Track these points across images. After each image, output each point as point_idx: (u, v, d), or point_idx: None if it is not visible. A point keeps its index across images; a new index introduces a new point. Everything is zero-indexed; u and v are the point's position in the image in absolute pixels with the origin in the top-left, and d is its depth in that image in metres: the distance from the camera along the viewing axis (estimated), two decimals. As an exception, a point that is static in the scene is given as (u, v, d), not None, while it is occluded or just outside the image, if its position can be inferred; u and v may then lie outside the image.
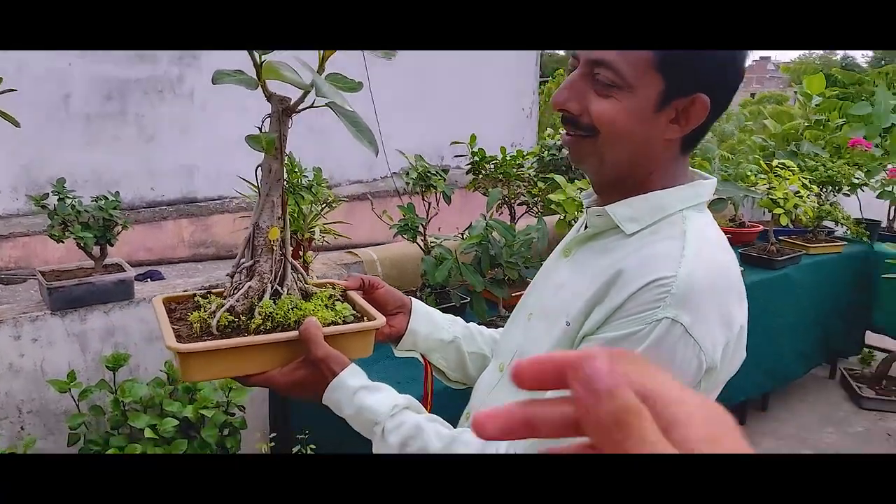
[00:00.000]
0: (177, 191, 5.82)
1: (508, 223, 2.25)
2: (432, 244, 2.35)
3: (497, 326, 2.07)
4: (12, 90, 1.00)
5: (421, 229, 2.27)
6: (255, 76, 0.89)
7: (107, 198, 1.77)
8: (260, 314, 0.95)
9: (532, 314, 1.05)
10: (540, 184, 2.80)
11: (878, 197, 4.12)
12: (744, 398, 3.40)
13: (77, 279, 1.77)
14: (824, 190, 3.74)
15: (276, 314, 0.96)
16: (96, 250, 1.80)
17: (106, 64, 5.22)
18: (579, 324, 0.90)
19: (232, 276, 1.00)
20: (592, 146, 0.92)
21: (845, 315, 3.91)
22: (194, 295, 1.04)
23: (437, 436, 0.92)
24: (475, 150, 2.66)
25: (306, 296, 1.05)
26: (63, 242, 1.69)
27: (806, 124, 4.34)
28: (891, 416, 3.69)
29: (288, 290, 1.01)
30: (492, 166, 2.73)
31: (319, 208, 1.98)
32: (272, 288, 0.99)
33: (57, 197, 1.69)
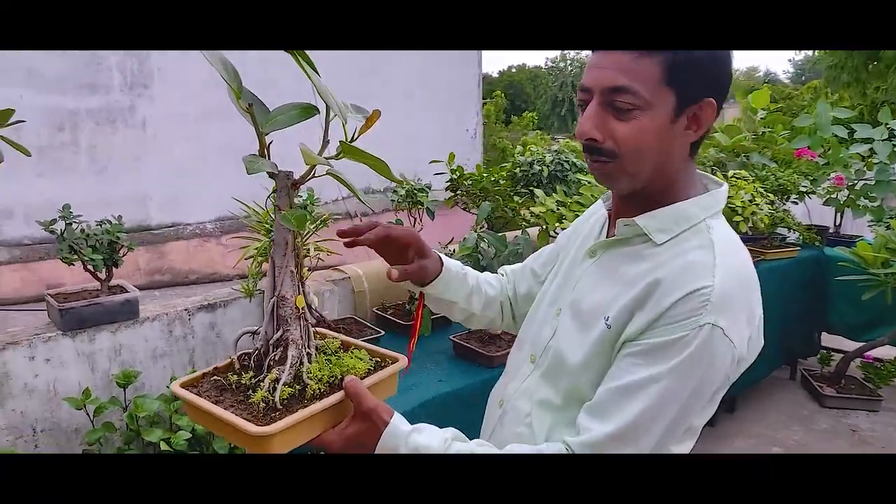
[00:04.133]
0: (131, 219, 5.69)
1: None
2: (419, 259, 2.37)
3: (489, 335, 2.10)
4: (21, 121, 0.98)
5: (409, 244, 2.28)
6: (258, 153, 0.92)
7: (111, 221, 1.78)
8: (311, 379, 0.99)
9: (561, 310, 1.11)
10: (516, 198, 2.86)
11: (824, 204, 4.34)
12: (714, 402, 3.50)
13: (86, 300, 1.77)
14: (776, 198, 3.92)
15: (323, 376, 1.01)
16: (103, 272, 1.81)
17: (57, 95, 5.10)
18: (620, 327, 0.97)
19: (258, 350, 1.03)
20: (619, 168, 0.99)
21: (802, 317, 4.08)
22: (204, 374, 1.05)
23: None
24: (454, 167, 2.70)
25: (326, 352, 1.09)
26: (73, 265, 1.70)
27: (753, 136, 4.54)
28: (852, 412, 3.85)
29: (314, 351, 1.05)
30: (469, 183, 2.78)
31: (314, 227, 1.98)
32: (306, 352, 1.02)
33: (65, 222, 1.69)
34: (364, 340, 2.05)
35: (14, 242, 4.96)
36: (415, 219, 2.34)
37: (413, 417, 1.75)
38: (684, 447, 1.03)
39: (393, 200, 2.31)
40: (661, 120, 0.95)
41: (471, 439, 1.04)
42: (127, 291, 1.87)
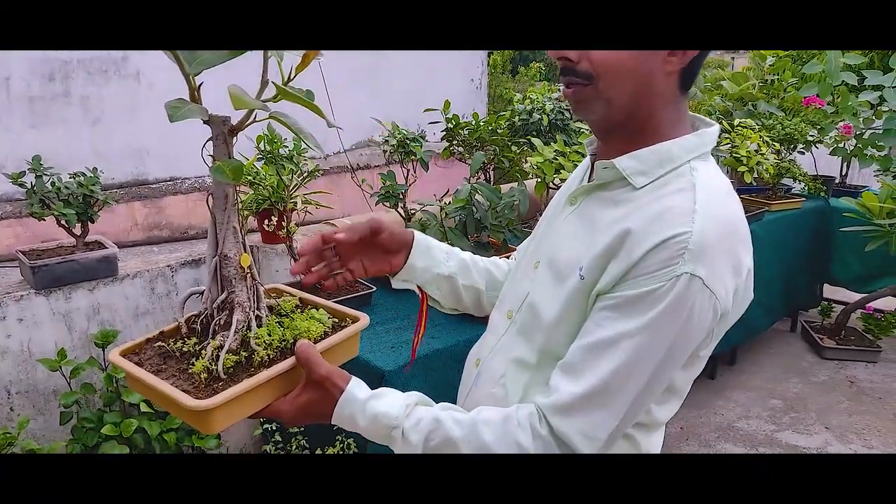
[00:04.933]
0: (127, 173, 5.64)
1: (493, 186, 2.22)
2: (413, 211, 2.32)
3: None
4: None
5: (402, 196, 2.23)
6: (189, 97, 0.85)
7: (85, 174, 1.70)
8: (259, 345, 0.92)
9: (539, 262, 1.04)
10: (514, 148, 2.79)
11: (831, 153, 4.25)
12: (713, 353, 3.49)
13: (60, 257, 1.70)
14: (782, 148, 3.83)
15: (273, 341, 0.94)
16: (77, 228, 1.74)
17: (45, 43, 4.99)
18: (594, 278, 0.90)
19: (204, 314, 0.96)
20: (594, 92, 0.90)
21: (805, 269, 4.03)
22: (147, 339, 0.99)
23: (456, 423, 0.91)
24: (449, 115, 2.63)
25: (272, 310, 1.02)
26: (44, 220, 1.62)
27: (760, 84, 4.42)
28: (851, 364, 3.84)
29: (265, 315, 0.98)
30: (466, 132, 2.70)
31: (301, 178, 1.92)
32: (254, 315, 0.96)
33: (35, 174, 1.61)
34: (355, 296, 2.02)
35: (5, 198, 4.91)
36: (408, 170, 2.28)
37: (403, 376, 1.73)
38: (667, 408, 0.98)
39: (385, 151, 2.24)
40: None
41: (452, 397, 1.00)
42: (105, 248, 1.81)
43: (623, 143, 0.94)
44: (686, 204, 0.86)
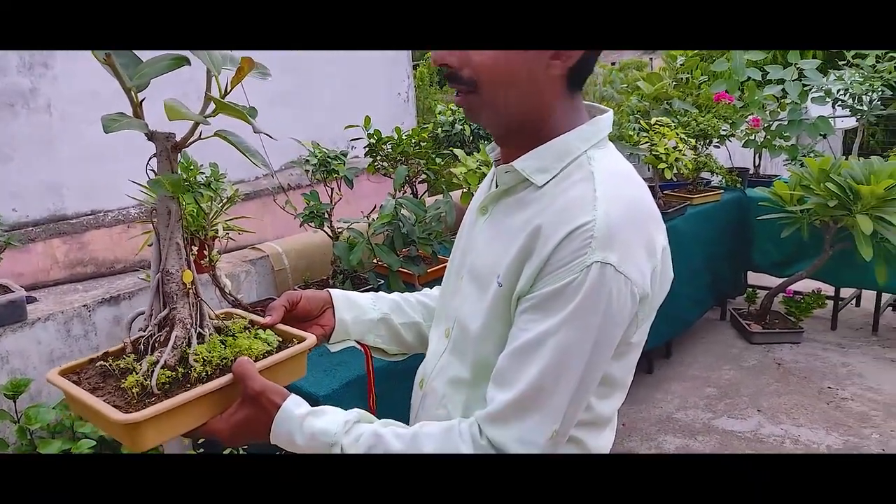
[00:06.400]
0: (43, 209, 5.40)
1: (418, 199, 2.23)
2: (339, 229, 2.30)
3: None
4: None
5: (327, 216, 2.21)
6: (132, 114, 0.85)
7: (-17, 213, 1.61)
8: (196, 361, 0.92)
9: (463, 276, 1.03)
10: (438, 160, 2.80)
11: (743, 146, 4.44)
12: (649, 348, 3.57)
13: None
14: (698, 143, 3.98)
15: (213, 358, 0.93)
16: (-22, 271, 1.65)
17: (-55, 80, 4.74)
18: (512, 283, 0.89)
19: (146, 329, 0.96)
20: (481, 100, 0.91)
21: (729, 258, 4.19)
22: (91, 359, 0.98)
23: (396, 437, 0.89)
24: (370, 131, 2.62)
25: (222, 332, 1.02)
26: None
27: (673, 83, 4.59)
28: (777, 346, 4.00)
29: (208, 332, 0.98)
30: (389, 147, 2.70)
31: (220, 205, 1.88)
32: (196, 332, 0.95)
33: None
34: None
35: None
36: (332, 189, 2.26)
37: (338, 399, 1.70)
38: (610, 402, 0.97)
39: (307, 171, 2.22)
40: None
41: (406, 420, 0.98)
42: (11, 291, 1.72)
43: (520, 146, 0.94)
44: (586, 193, 0.86)
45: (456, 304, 1.04)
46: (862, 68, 4.24)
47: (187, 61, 0.83)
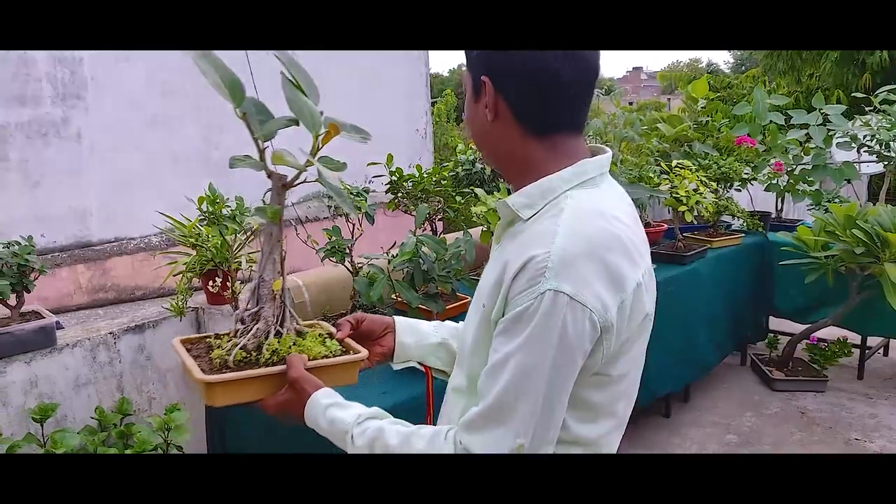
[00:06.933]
0: (69, 235, 5.50)
1: (438, 237, 2.24)
2: (360, 265, 2.31)
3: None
4: None
5: (348, 251, 2.22)
6: (258, 158, 1.07)
7: (20, 243, 1.66)
8: (267, 350, 1.12)
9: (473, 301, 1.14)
10: (458, 198, 2.82)
11: (765, 190, 4.42)
12: (666, 392, 3.52)
13: None
14: (719, 186, 3.96)
15: (281, 350, 1.13)
16: (12, 298, 1.69)
17: (-18, 108, 4.89)
18: (491, 306, 0.98)
19: (240, 321, 1.17)
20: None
21: (750, 303, 4.14)
22: (206, 336, 1.22)
23: (395, 434, 1.00)
24: (392, 169, 2.65)
25: (300, 335, 1.20)
26: None
27: (693, 126, 4.60)
28: (801, 394, 3.92)
29: (287, 331, 1.17)
30: (410, 184, 2.72)
31: (244, 237, 1.90)
32: (275, 329, 1.15)
33: (-36, 245, 1.57)
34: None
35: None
36: (353, 224, 2.28)
37: (405, 412, 1.71)
38: (594, 427, 1.01)
39: (329, 206, 2.24)
40: (470, 100, 1.04)
41: None
42: (42, 317, 1.75)
43: (516, 185, 1.06)
44: (550, 227, 0.94)
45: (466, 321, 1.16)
46: (889, 114, 4.22)
47: (297, 123, 1.04)
